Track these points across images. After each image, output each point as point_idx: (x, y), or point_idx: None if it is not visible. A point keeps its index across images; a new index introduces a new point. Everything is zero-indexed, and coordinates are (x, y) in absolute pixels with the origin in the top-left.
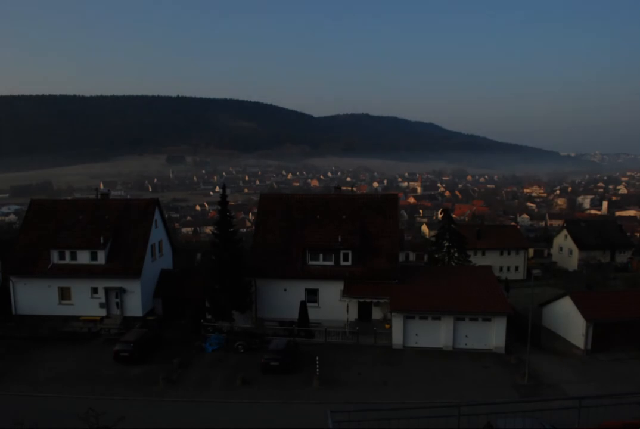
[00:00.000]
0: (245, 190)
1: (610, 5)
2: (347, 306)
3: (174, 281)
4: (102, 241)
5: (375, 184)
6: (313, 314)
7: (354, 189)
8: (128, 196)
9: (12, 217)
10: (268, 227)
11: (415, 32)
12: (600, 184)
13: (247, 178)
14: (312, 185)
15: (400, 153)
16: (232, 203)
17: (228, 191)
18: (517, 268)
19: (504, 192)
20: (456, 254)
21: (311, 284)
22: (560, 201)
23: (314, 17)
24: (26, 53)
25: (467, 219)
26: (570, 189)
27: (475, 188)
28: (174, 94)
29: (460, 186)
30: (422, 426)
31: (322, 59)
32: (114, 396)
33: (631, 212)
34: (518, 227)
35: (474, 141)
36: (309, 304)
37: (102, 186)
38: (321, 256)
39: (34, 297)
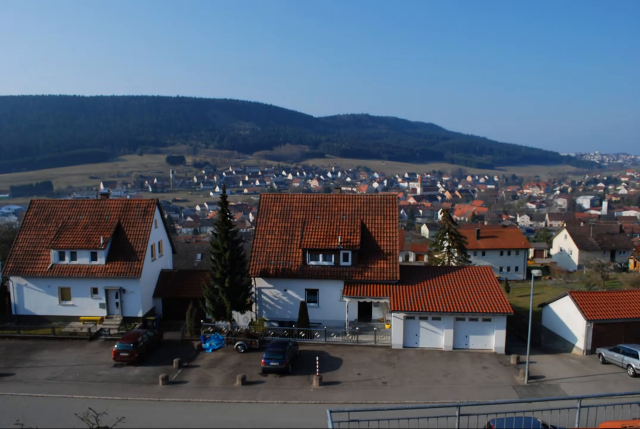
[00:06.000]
0: (245, 190)
1: (610, 4)
2: (347, 306)
3: (174, 281)
4: (102, 241)
5: (375, 184)
6: (313, 314)
7: (354, 189)
8: (128, 196)
9: (12, 217)
10: (268, 227)
11: (415, 32)
12: (600, 184)
13: (247, 178)
14: (312, 185)
15: (400, 153)
16: (232, 203)
17: (228, 191)
18: (517, 268)
19: (504, 192)
20: (456, 254)
21: (311, 284)
22: (560, 201)
23: (313, 17)
24: (26, 53)
25: (467, 220)
26: (570, 189)
27: (475, 188)
28: (173, 94)
29: (460, 186)
30: (422, 426)
31: (322, 59)
32: (113, 396)
33: (631, 212)
34: (518, 227)
35: (474, 141)
36: (309, 304)
37: (102, 186)
38: (321, 256)
39: (34, 297)
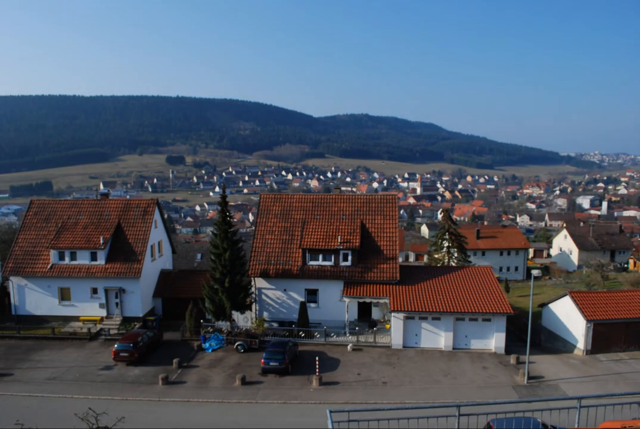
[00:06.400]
0: (245, 190)
1: (610, 4)
2: (347, 306)
3: (173, 281)
4: (102, 241)
5: (375, 184)
6: (313, 314)
7: (354, 189)
8: (128, 196)
9: (12, 217)
10: (268, 227)
11: (415, 32)
12: (600, 184)
13: (247, 178)
14: (312, 185)
15: (400, 153)
16: (232, 203)
17: (228, 191)
18: (517, 268)
19: (504, 192)
20: (456, 254)
21: (311, 284)
22: (560, 201)
23: (313, 17)
24: (26, 53)
25: (467, 220)
26: (570, 189)
27: (475, 188)
28: (173, 94)
29: (460, 186)
30: (422, 426)
31: (322, 58)
32: (113, 396)
33: (631, 212)
34: (518, 227)
35: (473, 141)
36: (308, 305)
37: (101, 186)
38: (321, 256)
39: (34, 297)
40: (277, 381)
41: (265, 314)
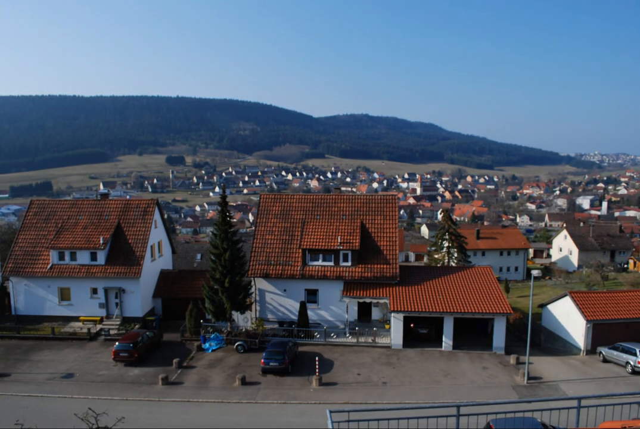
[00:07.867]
0: (245, 190)
1: (610, 6)
2: (347, 307)
3: (173, 281)
4: (101, 241)
5: (375, 185)
6: (313, 314)
7: (354, 189)
8: (128, 196)
9: (12, 217)
10: (268, 227)
11: (415, 32)
12: (600, 184)
13: (246, 178)
14: (312, 185)
15: (400, 153)
16: (232, 203)
17: (228, 191)
18: (516, 268)
19: (504, 192)
20: (456, 255)
21: (311, 285)
22: (560, 202)
23: (313, 17)
24: (26, 53)
25: (466, 220)
26: (570, 189)
27: (475, 188)
28: (173, 94)
29: (460, 186)
30: (422, 426)
31: (321, 58)
32: (113, 396)
33: (631, 213)
34: (518, 227)
35: (473, 141)
36: (308, 305)
37: (101, 186)
38: (321, 256)
39: (34, 297)
40: (277, 381)
41: (266, 315)
